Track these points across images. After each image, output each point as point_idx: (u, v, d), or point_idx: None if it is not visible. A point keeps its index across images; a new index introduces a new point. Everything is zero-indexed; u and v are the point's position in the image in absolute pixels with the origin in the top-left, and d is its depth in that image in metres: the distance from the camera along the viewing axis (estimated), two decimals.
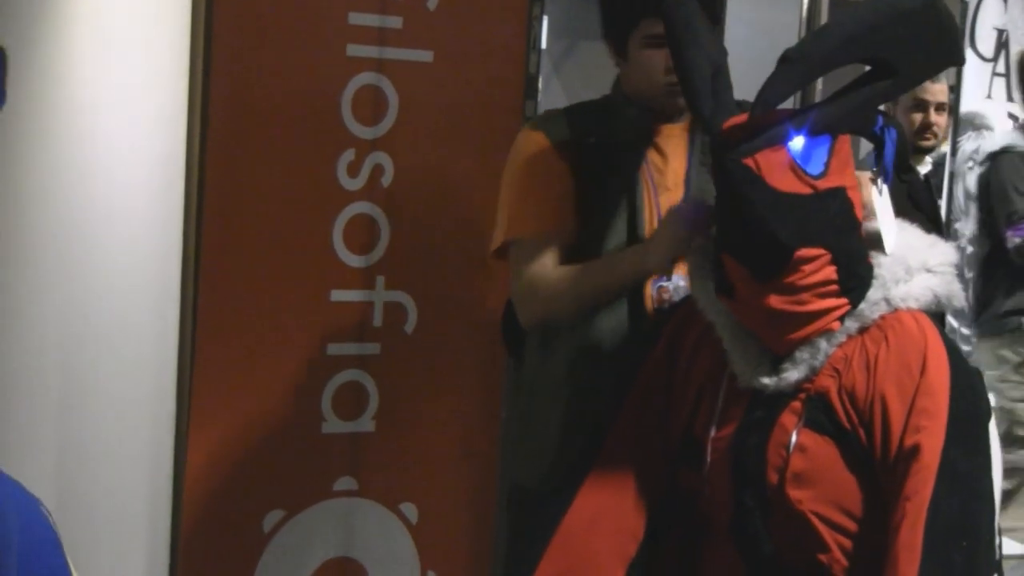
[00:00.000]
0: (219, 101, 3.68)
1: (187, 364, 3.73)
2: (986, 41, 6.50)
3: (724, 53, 2.80)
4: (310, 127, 3.79)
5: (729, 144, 2.52)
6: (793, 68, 2.49)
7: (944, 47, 2.61)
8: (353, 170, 3.84)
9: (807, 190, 2.51)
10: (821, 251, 2.51)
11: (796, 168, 2.50)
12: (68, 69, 3.41)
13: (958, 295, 2.66)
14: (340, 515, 3.92)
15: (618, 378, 2.84)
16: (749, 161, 2.49)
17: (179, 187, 3.69)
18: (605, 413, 2.83)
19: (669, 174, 3.08)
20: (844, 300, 2.57)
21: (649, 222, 3.04)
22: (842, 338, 2.58)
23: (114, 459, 3.58)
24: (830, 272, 2.53)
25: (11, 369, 3.38)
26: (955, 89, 6.21)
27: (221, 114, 3.69)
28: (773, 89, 2.50)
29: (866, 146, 4.63)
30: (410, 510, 4.00)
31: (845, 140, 2.59)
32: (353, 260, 3.87)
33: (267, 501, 3.84)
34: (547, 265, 3.03)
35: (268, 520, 3.83)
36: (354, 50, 3.81)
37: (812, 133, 2.52)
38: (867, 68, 2.58)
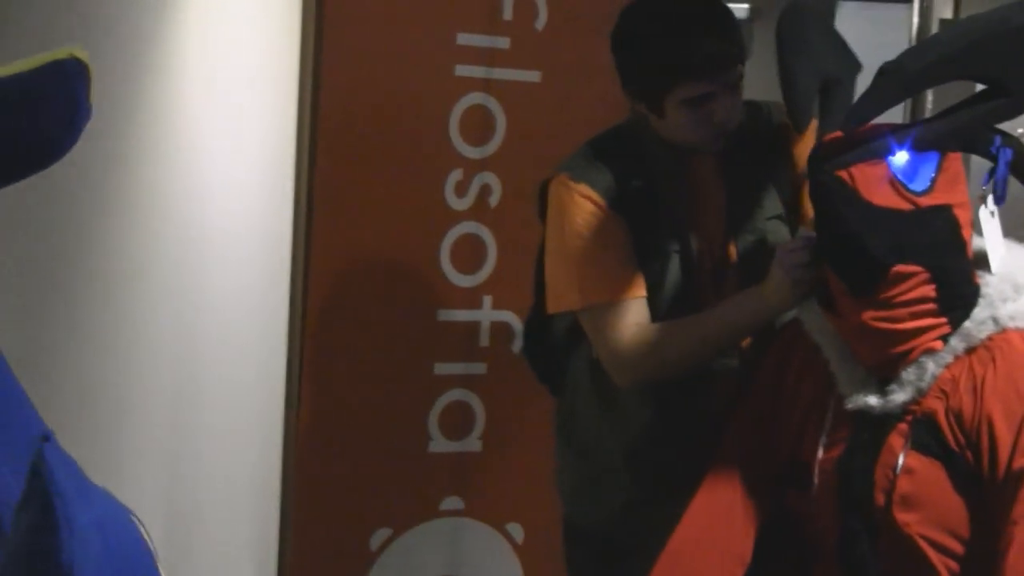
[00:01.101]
0: (328, 122, 3.71)
1: (295, 383, 3.76)
2: None
3: (849, 68, 2.75)
4: (418, 147, 3.81)
5: (824, 156, 2.49)
6: (888, 82, 2.45)
7: None
8: (461, 190, 3.85)
9: (907, 206, 2.46)
10: (918, 268, 2.47)
11: (896, 183, 2.46)
12: (179, 93, 3.45)
13: None
14: (446, 534, 3.93)
15: (711, 405, 2.81)
16: (843, 173, 2.45)
17: (288, 207, 3.72)
18: (710, 438, 2.80)
19: (710, 208, 3.00)
20: (942, 320, 2.52)
21: (700, 257, 2.95)
22: (948, 359, 2.53)
23: (222, 476, 3.61)
24: (928, 290, 2.49)
25: (124, 384, 3.42)
26: None
27: (330, 135, 3.72)
28: (867, 102, 2.46)
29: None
30: (516, 530, 4.00)
31: (955, 158, 2.54)
32: (460, 280, 3.88)
33: (374, 520, 3.86)
34: (643, 324, 2.92)
35: (375, 539, 3.85)
36: (462, 70, 3.83)
37: (917, 149, 2.47)
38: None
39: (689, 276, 2.95)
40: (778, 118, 3.00)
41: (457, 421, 3.92)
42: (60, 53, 1.59)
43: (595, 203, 2.92)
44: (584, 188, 2.94)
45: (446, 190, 3.84)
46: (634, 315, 2.90)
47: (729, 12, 2.90)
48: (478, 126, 3.86)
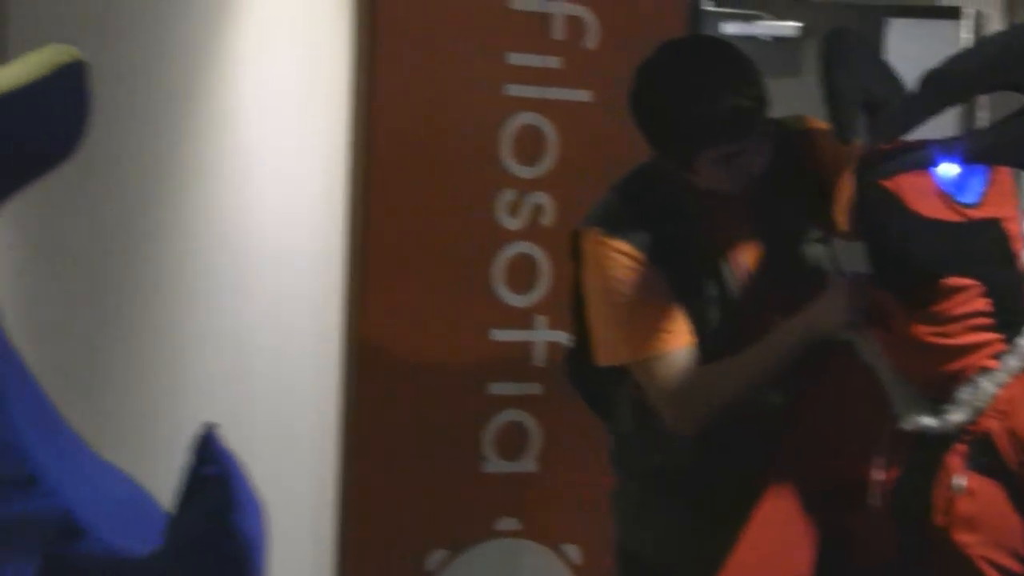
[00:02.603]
0: (380, 141, 3.72)
1: (350, 402, 3.76)
2: None
3: (895, 91, 2.73)
4: (470, 167, 3.82)
5: (869, 167, 2.47)
6: (931, 89, 2.42)
7: None
8: (513, 210, 3.85)
9: (956, 218, 2.44)
10: (972, 281, 2.44)
11: (944, 195, 2.44)
12: (233, 105, 3.48)
13: None
14: (502, 555, 3.92)
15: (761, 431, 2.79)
16: (888, 183, 2.43)
17: (339, 227, 3.73)
18: (759, 464, 2.78)
19: (745, 245, 2.96)
20: (998, 336, 2.48)
21: (740, 298, 2.91)
22: (1004, 378, 2.50)
23: (276, 498, 3.59)
24: (983, 304, 2.46)
25: (176, 403, 3.44)
26: None
27: (381, 154, 3.73)
28: (909, 109, 2.44)
29: None
30: (573, 551, 3.98)
31: (1006, 171, 2.51)
32: (513, 299, 3.88)
33: (430, 540, 3.85)
34: (693, 368, 2.90)
35: (431, 560, 3.84)
36: (513, 90, 3.83)
37: (966, 161, 2.45)
38: None
39: (730, 319, 2.92)
40: (796, 127, 2.98)
41: (512, 441, 3.91)
42: (63, 55, 1.61)
43: (632, 257, 2.90)
44: (620, 244, 2.91)
45: (498, 210, 3.84)
46: (684, 363, 2.89)
47: (750, 64, 2.87)
48: (529, 145, 3.86)
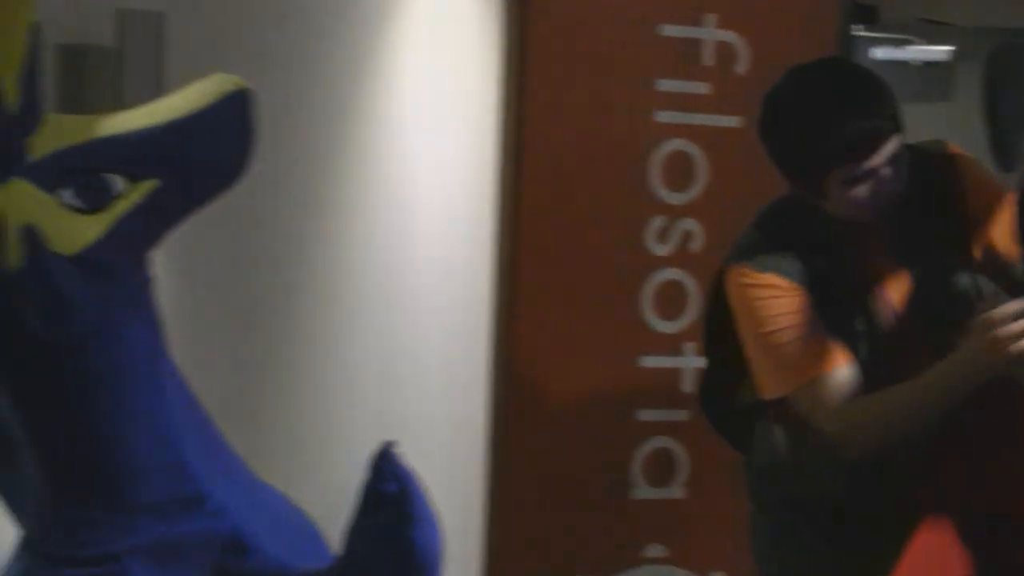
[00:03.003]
0: (529, 167, 3.75)
1: (498, 428, 3.79)
2: None
3: None
4: (618, 193, 3.82)
5: None
6: None
7: None
8: (662, 236, 3.85)
9: None
10: None
11: None
12: (389, 139, 3.54)
13: None
14: None
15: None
16: None
17: (488, 254, 3.77)
18: (905, 500, 2.74)
19: (890, 277, 2.91)
20: None
21: (888, 331, 2.87)
22: None
23: None
24: None
25: (326, 409, 3.49)
26: None
27: (531, 182, 3.75)
28: None
29: None
30: None
31: None
32: (662, 326, 3.87)
33: (577, 566, 3.85)
34: (857, 389, 2.87)
35: None
36: (663, 116, 3.83)
37: None
38: None
39: (879, 352, 2.88)
40: (935, 151, 2.94)
41: (660, 467, 3.91)
42: (228, 84, 1.65)
43: (783, 289, 2.87)
44: (768, 277, 2.89)
45: (647, 236, 3.84)
46: (848, 380, 2.85)
47: (878, 82, 2.82)
48: (679, 172, 3.86)
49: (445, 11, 3.69)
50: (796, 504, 3.02)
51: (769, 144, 2.89)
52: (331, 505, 2.42)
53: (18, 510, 1.90)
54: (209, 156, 1.66)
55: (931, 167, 2.91)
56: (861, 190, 2.77)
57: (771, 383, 2.94)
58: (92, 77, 2.82)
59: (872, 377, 2.86)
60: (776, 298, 2.88)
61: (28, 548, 1.79)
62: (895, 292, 2.88)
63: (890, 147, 2.75)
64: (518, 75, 3.75)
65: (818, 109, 2.78)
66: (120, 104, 2.75)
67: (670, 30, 3.83)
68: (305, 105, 3.40)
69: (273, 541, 1.80)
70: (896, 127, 2.76)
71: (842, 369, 2.83)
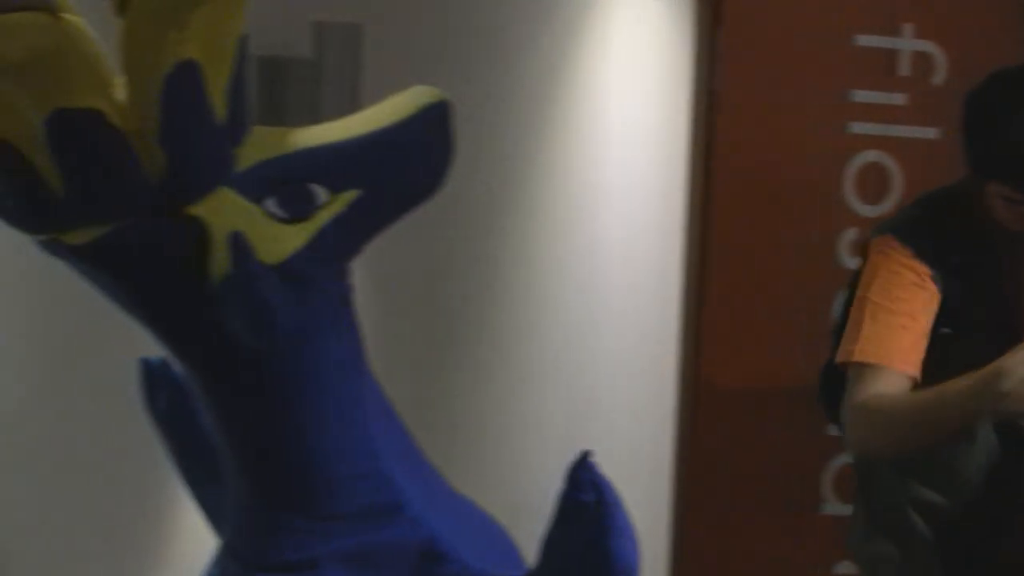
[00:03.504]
0: (720, 178, 3.73)
1: (683, 442, 3.77)
2: None
3: None
4: (812, 205, 3.79)
5: None
6: None
7: None
8: (856, 250, 3.79)
9: None
10: None
11: None
12: (582, 147, 3.55)
13: None
14: None
15: None
16: None
17: (678, 264, 3.75)
18: None
19: None
20: None
21: (1006, 341, 2.76)
22: None
23: None
24: None
25: (521, 399, 3.51)
26: None
27: (722, 192, 3.74)
28: None
29: None
30: None
31: None
32: None
33: None
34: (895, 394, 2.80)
35: None
36: (857, 128, 3.78)
37: None
38: None
39: (990, 360, 2.78)
40: None
41: (850, 483, 3.84)
42: (428, 96, 1.66)
43: (916, 271, 2.80)
44: (911, 259, 2.82)
45: (840, 249, 3.79)
46: (894, 386, 2.77)
47: None
48: (874, 184, 3.80)
49: (639, 20, 3.69)
50: (904, 518, 2.95)
51: (981, 141, 2.78)
52: (524, 514, 2.43)
53: (216, 519, 1.93)
54: (410, 168, 1.67)
55: None
56: (1015, 213, 2.69)
57: (845, 346, 2.85)
58: (290, 88, 2.87)
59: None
60: (902, 277, 2.80)
61: (227, 553, 1.82)
62: None
63: None
64: (710, 84, 3.73)
65: (1007, 112, 2.71)
66: (316, 115, 2.80)
67: (866, 40, 3.78)
68: (499, 114, 3.42)
69: (469, 550, 1.81)
70: None
71: (903, 377, 2.75)
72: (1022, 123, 2.69)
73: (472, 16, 3.38)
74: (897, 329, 2.79)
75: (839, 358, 2.88)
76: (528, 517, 2.24)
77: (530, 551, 1.88)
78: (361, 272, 1.75)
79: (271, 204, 1.60)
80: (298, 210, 1.61)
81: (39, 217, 1.53)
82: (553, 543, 1.73)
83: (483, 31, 3.37)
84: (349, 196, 1.63)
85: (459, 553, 1.77)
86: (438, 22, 3.29)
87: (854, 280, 2.95)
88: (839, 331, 2.96)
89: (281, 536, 1.73)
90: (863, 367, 2.80)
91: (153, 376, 1.94)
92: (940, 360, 2.80)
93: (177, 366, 1.80)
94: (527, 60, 3.46)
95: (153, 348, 1.77)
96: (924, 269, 2.79)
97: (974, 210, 2.81)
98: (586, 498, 1.66)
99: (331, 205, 1.63)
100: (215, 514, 1.94)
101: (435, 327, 3.38)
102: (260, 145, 1.61)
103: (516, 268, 3.52)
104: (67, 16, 1.45)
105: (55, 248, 1.56)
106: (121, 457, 2.66)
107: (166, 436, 1.97)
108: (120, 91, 1.52)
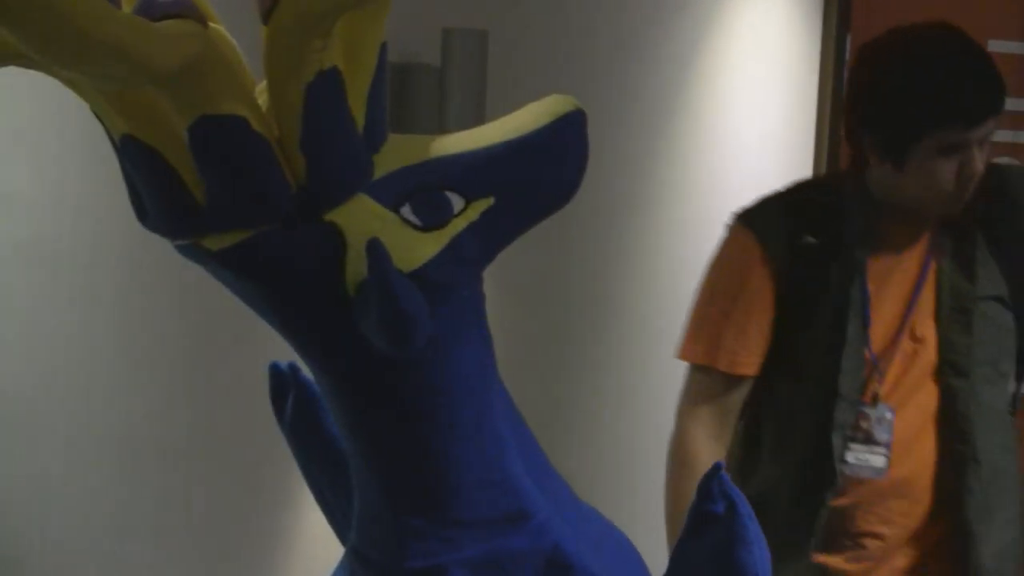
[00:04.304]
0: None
1: None
2: None
3: None
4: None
5: None
6: None
7: None
8: None
9: None
10: None
11: None
12: (709, 148, 3.55)
13: None
14: None
15: None
16: None
17: None
18: None
19: (892, 284, 2.73)
20: None
21: (855, 338, 2.68)
22: None
23: None
24: None
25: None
26: None
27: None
28: None
29: None
30: None
31: None
32: None
33: None
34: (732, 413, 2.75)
35: None
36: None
37: None
38: None
39: (833, 352, 2.71)
40: (1019, 182, 2.77)
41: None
42: (564, 104, 1.64)
43: (748, 250, 2.75)
44: (745, 233, 2.77)
45: None
46: (716, 392, 2.71)
47: (992, 61, 2.71)
48: None
49: (766, 21, 3.67)
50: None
51: (868, 98, 2.72)
52: (640, 520, 2.42)
53: (341, 525, 1.95)
54: (545, 176, 1.67)
55: (1006, 182, 2.77)
56: (948, 164, 2.62)
57: (684, 346, 2.82)
58: (416, 95, 2.88)
59: (815, 375, 2.73)
60: (736, 258, 2.75)
61: (354, 559, 1.83)
62: (894, 294, 2.73)
63: (989, 127, 2.64)
64: (836, 86, 3.71)
65: (939, 67, 2.65)
66: (442, 121, 2.81)
67: (999, 45, 3.72)
68: (626, 116, 3.42)
69: (595, 560, 1.80)
70: (1000, 108, 2.65)
71: (727, 379, 2.71)
72: (943, 65, 2.65)
73: (599, 19, 3.38)
74: (726, 324, 2.75)
75: (686, 357, 2.85)
76: (645, 523, 2.24)
77: (649, 557, 1.88)
78: (486, 276, 1.75)
79: (408, 211, 1.61)
80: (433, 217, 1.61)
81: (180, 222, 1.54)
82: (682, 554, 1.73)
83: (608, 34, 3.38)
84: (484, 204, 1.63)
85: (586, 564, 1.77)
86: (563, 27, 3.30)
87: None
88: None
89: (410, 543, 1.73)
90: (692, 367, 2.80)
91: (282, 381, 1.96)
92: (783, 348, 2.77)
93: (306, 371, 1.81)
94: (653, 64, 3.46)
95: (285, 352, 1.78)
96: (755, 246, 2.76)
97: (838, 193, 2.77)
98: (716, 509, 1.65)
99: (466, 213, 1.63)
100: (340, 520, 1.95)
101: (557, 329, 3.38)
102: (396, 152, 1.62)
103: (641, 269, 3.52)
104: (212, 24, 1.46)
105: (195, 253, 1.57)
106: (253, 461, 2.69)
107: (293, 441, 1.99)
108: (261, 98, 1.53)
